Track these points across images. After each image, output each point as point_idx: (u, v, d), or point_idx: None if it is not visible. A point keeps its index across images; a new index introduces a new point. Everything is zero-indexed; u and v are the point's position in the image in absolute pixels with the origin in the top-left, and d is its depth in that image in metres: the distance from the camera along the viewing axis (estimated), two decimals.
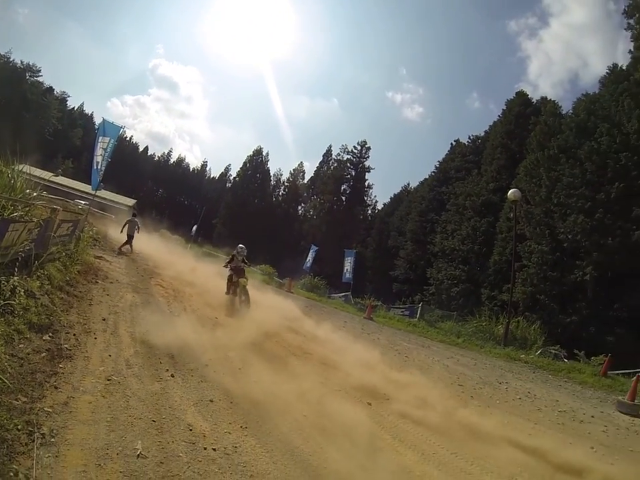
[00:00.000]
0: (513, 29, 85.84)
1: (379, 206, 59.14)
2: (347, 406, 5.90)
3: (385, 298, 30.49)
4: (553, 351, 14.81)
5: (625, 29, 27.48)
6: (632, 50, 26.58)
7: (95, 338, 5.99)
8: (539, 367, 12.58)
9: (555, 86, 75.47)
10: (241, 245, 11.82)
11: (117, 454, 3.44)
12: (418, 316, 20.80)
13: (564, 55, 77.23)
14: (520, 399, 8.72)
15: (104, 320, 6.93)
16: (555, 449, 5.70)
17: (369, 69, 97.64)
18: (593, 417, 8.27)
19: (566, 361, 14.17)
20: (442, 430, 5.71)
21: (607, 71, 28.55)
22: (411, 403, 6.44)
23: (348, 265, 29.17)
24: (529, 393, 9.29)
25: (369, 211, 58.89)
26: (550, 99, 34.86)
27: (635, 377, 10.25)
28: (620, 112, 24.19)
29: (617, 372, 13.21)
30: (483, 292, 30.02)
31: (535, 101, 36.73)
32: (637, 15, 26.20)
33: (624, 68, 26.93)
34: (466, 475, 4.66)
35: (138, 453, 3.52)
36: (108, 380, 4.73)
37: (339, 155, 58.28)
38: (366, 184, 57.10)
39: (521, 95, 37.46)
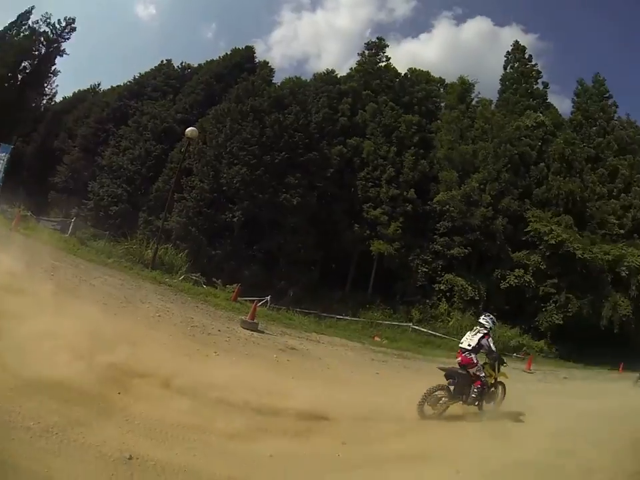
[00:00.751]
0: None
1: (58, 98, 50.14)
2: None
3: (39, 208, 26.94)
4: (195, 277, 16.55)
5: (358, 54, 35.69)
6: (352, 68, 35.43)
7: None
8: (180, 290, 13.67)
9: (284, 58, 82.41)
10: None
11: None
12: (70, 232, 20.44)
13: (308, 40, 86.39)
14: (159, 316, 9.60)
15: None
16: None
17: None
18: (219, 330, 10.05)
19: (205, 286, 16.09)
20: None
21: (326, 70, 35.37)
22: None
23: (0, 163, 25.61)
24: (168, 311, 10.26)
25: (44, 101, 49.43)
26: (270, 66, 36.23)
27: (255, 302, 13.23)
28: (314, 102, 30.45)
29: (246, 298, 15.92)
30: (140, 215, 29.83)
31: (257, 61, 38.06)
32: (374, 50, 34.95)
33: (337, 75, 34.59)
34: None
35: None
36: None
37: (37, 22, 47.08)
38: (53, 69, 47.84)
39: (249, 49, 38.70)
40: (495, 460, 5.72)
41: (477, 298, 27.27)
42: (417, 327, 24.30)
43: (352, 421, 5.99)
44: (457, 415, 7.41)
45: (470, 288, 27.27)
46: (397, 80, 33.53)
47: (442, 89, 36.14)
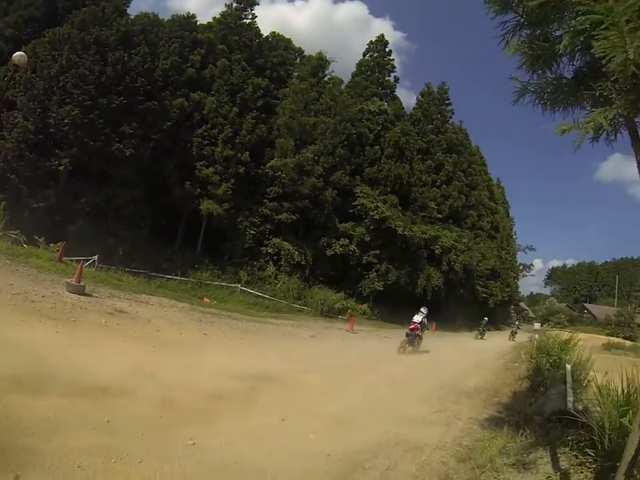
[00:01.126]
0: None
1: None
2: None
3: None
4: (13, 235, 14.98)
5: (226, 5, 33.64)
6: (214, 18, 33.40)
7: None
8: None
9: None
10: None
11: None
12: None
13: None
14: None
15: None
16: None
17: None
18: (44, 296, 9.34)
19: (26, 246, 14.60)
20: None
21: (186, 14, 33.06)
22: None
23: None
24: None
25: None
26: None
27: (81, 263, 12.24)
28: (166, 46, 29.43)
29: (71, 258, 14.87)
30: None
31: None
32: (243, 5, 33.43)
33: (196, 22, 32.55)
34: None
35: None
36: None
37: None
38: None
39: None
40: (322, 408, 6.62)
41: (303, 263, 29.00)
42: (245, 289, 25.18)
43: (173, 384, 6.16)
44: (293, 376, 8.37)
45: (297, 253, 28.80)
46: (257, 41, 33.22)
47: (298, 59, 37.21)
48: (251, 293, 24.95)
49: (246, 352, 10.43)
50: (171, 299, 15.23)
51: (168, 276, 23.09)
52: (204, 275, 26.13)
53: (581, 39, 2.90)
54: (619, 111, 3.09)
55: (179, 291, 19.83)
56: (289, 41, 37.16)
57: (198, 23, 32.58)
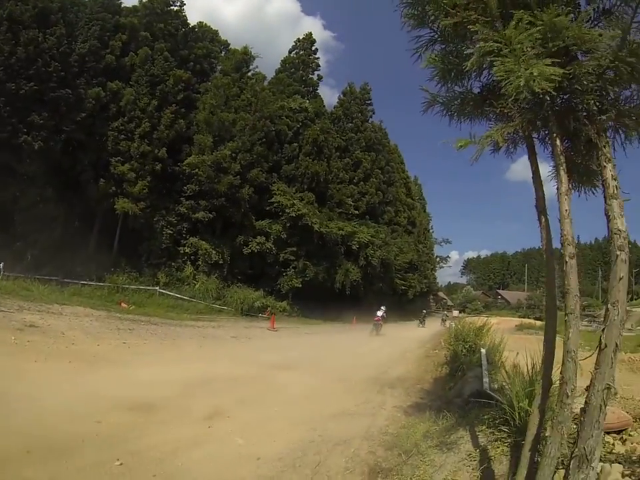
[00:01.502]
0: None
1: None
2: None
3: None
4: None
5: None
6: (141, 1, 31.63)
7: None
8: None
9: None
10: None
11: None
12: None
13: None
14: None
15: None
16: None
17: None
18: None
19: None
20: None
21: None
22: None
23: None
24: None
25: None
26: None
27: None
28: (85, 28, 27.79)
29: None
30: None
31: None
32: None
33: (121, 4, 30.84)
34: None
35: None
36: None
37: None
38: None
39: None
40: (247, 411, 6.75)
41: (220, 262, 29.31)
42: (163, 291, 24.78)
43: (92, 403, 5.97)
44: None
45: (214, 252, 28.96)
46: (183, 30, 32.36)
47: (223, 52, 37.16)
48: (170, 295, 24.58)
49: (167, 359, 10.28)
50: (87, 307, 14.87)
51: (82, 281, 22.03)
52: (121, 278, 25.07)
53: (488, 59, 3.05)
54: (517, 127, 3.36)
55: (94, 297, 19.35)
56: (215, 32, 36.97)
57: (122, 6, 30.72)
